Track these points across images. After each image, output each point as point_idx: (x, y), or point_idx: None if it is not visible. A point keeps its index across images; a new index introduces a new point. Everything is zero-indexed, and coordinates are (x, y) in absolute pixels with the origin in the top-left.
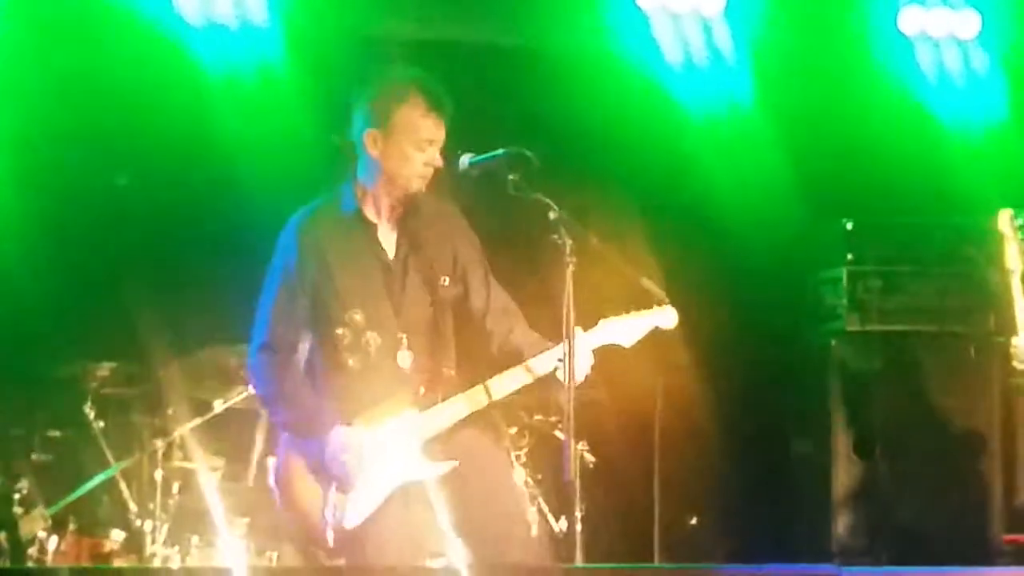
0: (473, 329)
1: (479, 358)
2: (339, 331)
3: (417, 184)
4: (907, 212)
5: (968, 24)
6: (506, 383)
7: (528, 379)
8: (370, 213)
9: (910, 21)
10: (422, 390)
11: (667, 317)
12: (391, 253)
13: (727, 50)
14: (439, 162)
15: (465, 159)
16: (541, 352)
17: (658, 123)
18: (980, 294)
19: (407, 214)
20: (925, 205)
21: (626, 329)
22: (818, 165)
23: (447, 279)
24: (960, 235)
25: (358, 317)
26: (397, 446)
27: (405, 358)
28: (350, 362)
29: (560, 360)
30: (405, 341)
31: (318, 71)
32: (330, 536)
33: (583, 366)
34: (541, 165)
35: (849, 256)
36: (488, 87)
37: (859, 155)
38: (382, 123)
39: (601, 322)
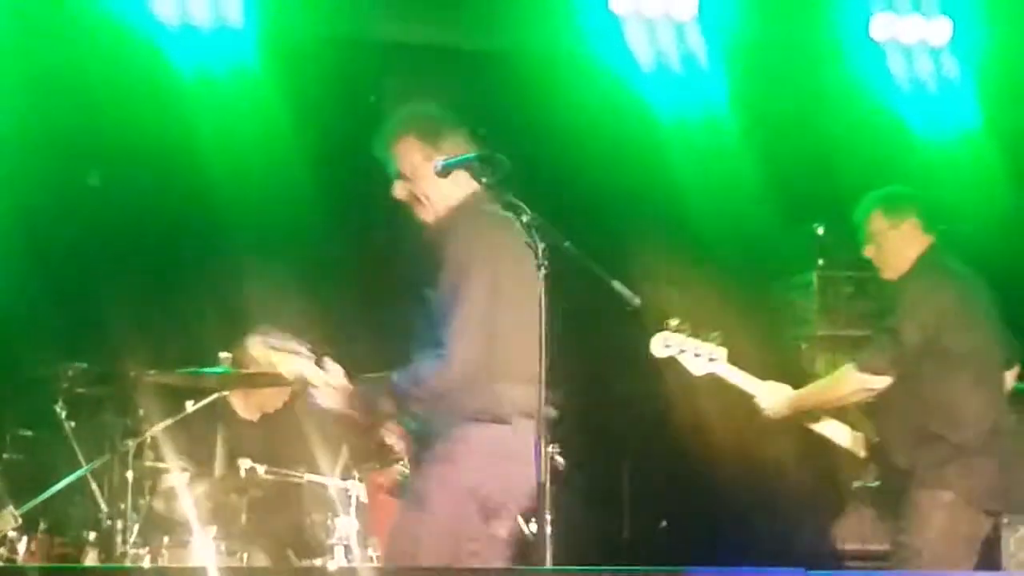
0: None
1: None
2: None
3: None
4: None
5: (940, 31)
6: None
7: None
8: None
9: (882, 28)
10: None
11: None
12: None
13: (700, 55)
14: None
15: (438, 162)
16: None
17: (631, 127)
18: None
19: None
20: None
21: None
22: (790, 170)
23: None
24: None
25: None
26: None
27: None
28: None
29: None
30: None
31: (293, 73)
32: None
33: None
34: (513, 169)
35: (820, 261)
36: (462, 90)
37: (831, 160)
38: None
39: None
